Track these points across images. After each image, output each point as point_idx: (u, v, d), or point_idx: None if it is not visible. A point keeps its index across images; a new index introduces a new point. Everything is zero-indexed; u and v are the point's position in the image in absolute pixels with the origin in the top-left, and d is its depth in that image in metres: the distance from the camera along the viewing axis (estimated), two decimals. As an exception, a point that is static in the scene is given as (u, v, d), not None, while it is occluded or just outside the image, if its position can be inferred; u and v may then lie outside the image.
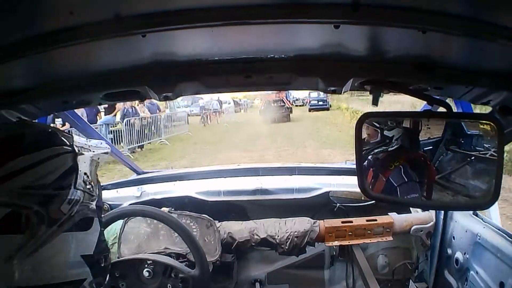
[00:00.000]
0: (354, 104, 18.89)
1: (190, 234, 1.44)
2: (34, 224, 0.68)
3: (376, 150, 1.12)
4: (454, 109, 1.05)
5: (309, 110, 21.80)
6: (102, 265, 0.86)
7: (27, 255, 0.67)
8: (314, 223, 1.66)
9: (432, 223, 1.68)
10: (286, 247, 1.64)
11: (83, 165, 0.84)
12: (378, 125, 1.12)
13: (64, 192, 0.75)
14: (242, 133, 14.05)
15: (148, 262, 1.42)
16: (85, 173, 0.84)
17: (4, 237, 0.65)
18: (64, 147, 0.79)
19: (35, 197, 0.69)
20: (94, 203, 0.85)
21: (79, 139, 0.90)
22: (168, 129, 13.04)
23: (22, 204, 0.68)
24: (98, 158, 0.92)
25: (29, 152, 0.71)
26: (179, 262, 1.47)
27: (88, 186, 0.83)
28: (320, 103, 21.90)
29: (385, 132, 1.10)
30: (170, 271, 1.43)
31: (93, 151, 0.90)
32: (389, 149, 1.11)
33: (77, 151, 0.82)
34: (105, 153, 0.94)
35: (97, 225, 0.87)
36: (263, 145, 10.73)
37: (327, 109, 21.90)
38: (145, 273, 1.42)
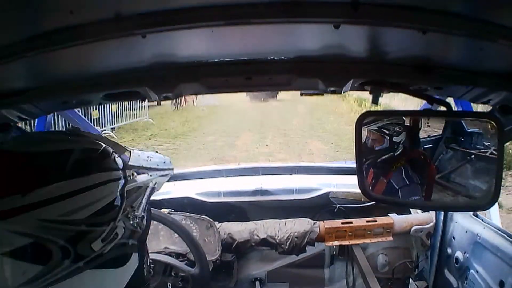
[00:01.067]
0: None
1: (189, 233, 1.44)
2: (57, 259, 0.58)
3: (383, 157, 1.10)
4: (454, 108, 1.05)
5: (301, 94, 19.94)
6: None
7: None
8: (314, 223, 1.66)
9: (432, 223, 1.68)
10: (286, 247, 1.64)
11: (132, 196, 0.69)
12: (387, 132, 1.10)
13: (99, 229, 0.61)
14: (220, 123, 11.03)
15: (149, 261, 1.42)
16: (132, 206, 0.69)
17: (21, 263, 0.56)
18: (114, 172, 0.64)
19: (64, 232, 0.58)
20: (136, 239, 0.72)
21: (137, 156, 0.74)
22: (123, 114, 10.37)
23: (47, 237, 0.57)
24: (155, 183, 0.77)
25: (71, 177, 0.58)
26: (179, 261, 1.47)
27: (131, 222, 0.69)
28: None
29: (394, 138, 1.09)
30: (170, 270, 1.43)
31: (151, 175, 0.75)
32: (395, 154, 1.11)
33: (129, 177, 0.68)
34: (165, 175, 0.77)
35: (135, 260, 0.73)
36: (248, 147, 8.09)
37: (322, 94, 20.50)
38: (145, 272, 1.41)
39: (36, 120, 1.44)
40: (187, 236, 1.41)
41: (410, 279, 1.83)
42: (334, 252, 1.94)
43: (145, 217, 0.75)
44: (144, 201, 0.74)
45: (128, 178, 0.68)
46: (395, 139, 1.10)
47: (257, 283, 1.92)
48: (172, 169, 0.83)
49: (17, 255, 0.56)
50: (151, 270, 1.36)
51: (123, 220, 0.66)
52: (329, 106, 14.32)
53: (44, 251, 0.57)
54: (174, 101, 12.81)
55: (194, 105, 14.64)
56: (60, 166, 0.59)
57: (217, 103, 14.97)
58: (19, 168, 0.59)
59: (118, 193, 0.65)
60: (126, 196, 0.66)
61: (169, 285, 1.41)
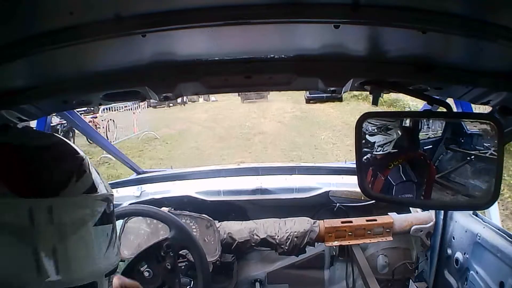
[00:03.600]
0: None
1: (201, 251, 1.45)
2: (112, 214, 0.71)
3: (381, 155, 1.15)
4: (454, 109, 1.05)
5: (307, 101, 16.69)
6: None
7: (114, 242, 0.70)
8: (314, 223, 1.66)
9: (432, 223, 1.68)
10: (286, 247, 1.64)
11: None
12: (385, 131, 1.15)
13: None
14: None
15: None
16: None
17: (104, 227, 0.68)
18: None
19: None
20: None
21: None
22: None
23: (110, 198, 0.71)
24: None
25: None
26: (179, 262, 1.47)
27: None
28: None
29: (367, 137, 1.12)
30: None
31: None
32: (373, 153, 1.13)
33: None
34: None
35: None
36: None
37: (340, 99, 15.50)
38: (145, 273, 1.42)
39: (36, 121, 1.44)
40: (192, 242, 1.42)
41: (410, 280, 1.83)
42: (334, 253, 1.94)
43: None
44: None
45: None
46: (368, 138, 1.12)
47: (257, 284, 1.93)
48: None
49: (102, 220, 0.66)
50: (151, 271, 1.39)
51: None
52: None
53: (110, 210, 0.69)
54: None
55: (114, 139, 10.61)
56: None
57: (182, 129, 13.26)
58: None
59: None
60: None
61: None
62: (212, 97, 20.49)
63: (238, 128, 12.06)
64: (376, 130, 1.13)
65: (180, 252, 1.52)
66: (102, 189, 0.70)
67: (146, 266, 1.42)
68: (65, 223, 0.63)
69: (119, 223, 1.54)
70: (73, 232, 0.63)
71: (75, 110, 1.63)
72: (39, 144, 0.67)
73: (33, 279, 0.59)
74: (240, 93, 18.93)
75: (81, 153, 0.71)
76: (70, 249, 0.63)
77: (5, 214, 0.59)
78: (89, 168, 0.69)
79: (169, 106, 19.32)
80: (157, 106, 18.39)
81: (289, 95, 17.81)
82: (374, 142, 1.13)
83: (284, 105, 16.82)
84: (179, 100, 17.01)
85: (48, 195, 0.62)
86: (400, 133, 1.14)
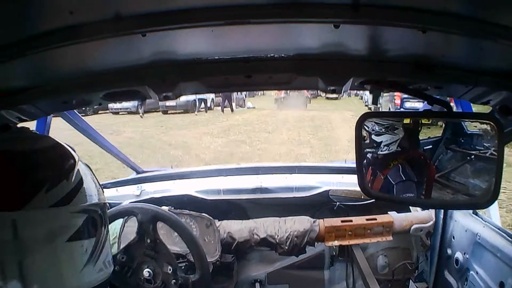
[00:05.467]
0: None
1: (192, 235, 1.44)
2: (99, 226, 0.68)
3: (381, 154, 1.15)
4: (454, 109, 1.05)
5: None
6: None
7: (97, 257, 0.67)
8: (314, 222, 1.66)
9: (432, 222, 1.68)
10: (286, 247, 1.64)
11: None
12: (367, 129, 1.16)
13: None
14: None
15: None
16: None
17: (82, 242, 0.65)
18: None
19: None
20: None
21: None
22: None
23: (94, 209, 0.67)
24: None
25: None
26: (179, 262, 1.47)
27: None
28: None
29: (373, 137, 1.12)
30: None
31: None
32: (378, 153, 1.13)
33: None
34: None
35: None
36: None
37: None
38: (145, 273, 1.42)
39: (36, 121, 1.44)
40: (190, 239, 1.42)
41: (410, 280, 1.83)
42: (334, 253, 1.94)
43: None
44: None
45: None
46: (374, 137, 1.13)
47: (257, 284, 1.92)
48: None
49: (78, 234, 0.64)
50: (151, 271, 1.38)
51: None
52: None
53: (94, 222, 0.66)
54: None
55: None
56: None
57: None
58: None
59: None
60: None
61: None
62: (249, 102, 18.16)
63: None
64: (383, 130, 1.14)
65: (180, 252, 1.52)
66: (84, 196, 0.65)
67: (146, 266, 1.42)
68: (31, 237, 0.59)
69: (119, 222, 1.54)
70: (40, 247, 0.60)
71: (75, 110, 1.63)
72: (21, 149, 0.65)
73: None
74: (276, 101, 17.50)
75: (73, 158, 0.67)
76: (38, 264, 0.59)
77: None
78: (72, 175, 0.65)
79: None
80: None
81: (333, 103, 15.49)
82: (381, 142, 1.14)
83: (335, 116, 12.99)
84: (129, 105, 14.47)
85: (12, 209, 0.59)
86: (395, 139, 1.14)
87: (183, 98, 13.07)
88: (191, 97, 14.08)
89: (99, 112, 15.00)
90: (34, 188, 0.61)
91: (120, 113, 15.16)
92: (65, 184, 0.64)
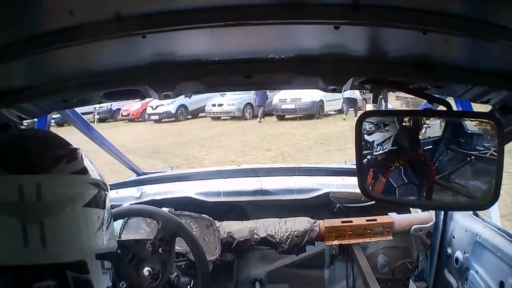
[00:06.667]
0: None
1: (193, 236, 1.44)
2: (106, 202, 0.75)
3: (382, 156, 1.14)
4: (454, 108, 1.05)
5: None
6: None
7: (106, 227, 0.74)
8: (314, 222, 1.66)
9: (432, 223, 1.68)
10: (286, 246, 1.64)
11: None
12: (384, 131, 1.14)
13: None
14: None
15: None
16: None
17: (95, 209, 0.71)
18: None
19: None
20: None
21: None
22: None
23: (103, 186, 0.73)
24: None
25: None
26: (179, 261, 1.47)
27: None
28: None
29: (366, 137, 1.10)
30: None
31: None
32: (374, 154, 1.12)
33: None
34: None
35: None
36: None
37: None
38: (145, 272, 1.42)
39: (36, 119, 1.44)
40: (191, 239, 1.41)
41: (410, 279, 1.83)
42: (334, 252, 1.94)
43: None
44: None
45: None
46: (366, 137, 1.11)
47: (257, 283, 1.92)
48: None
49: (93, 202, 0.70)
50: (151, 270, 1.38)
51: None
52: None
53: (103, 197, 0.73)
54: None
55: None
56: None
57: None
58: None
59: None
60: None
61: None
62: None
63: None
64: (373, 128, 1.11)
65: (180, 251, 1.52)
66: (95, 176, 0.73)
67: (146, 265, 1.42)
68: (54, 199, 0.66)
69: (119, 222, 1.54)
70: (62, 208, 0.66)
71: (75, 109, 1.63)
72: (29, 134, 0.74)
73: (21, 251, 0.62)
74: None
75: (75, 145, 0.74)
76: (58, 224, 0.65)
77: None
78: (81, 157, 0.73)
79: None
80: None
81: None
82: (373, 141, 1.12)
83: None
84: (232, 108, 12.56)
85: (37, 173, 0.65)
86: (398, 127, 1.12)
87: (230, 102, 12.12)
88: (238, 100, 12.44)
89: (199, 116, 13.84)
90: (56, 159, 0.68)
91: (221, 118, 13.13)
92: (79, 161, 0.72)
